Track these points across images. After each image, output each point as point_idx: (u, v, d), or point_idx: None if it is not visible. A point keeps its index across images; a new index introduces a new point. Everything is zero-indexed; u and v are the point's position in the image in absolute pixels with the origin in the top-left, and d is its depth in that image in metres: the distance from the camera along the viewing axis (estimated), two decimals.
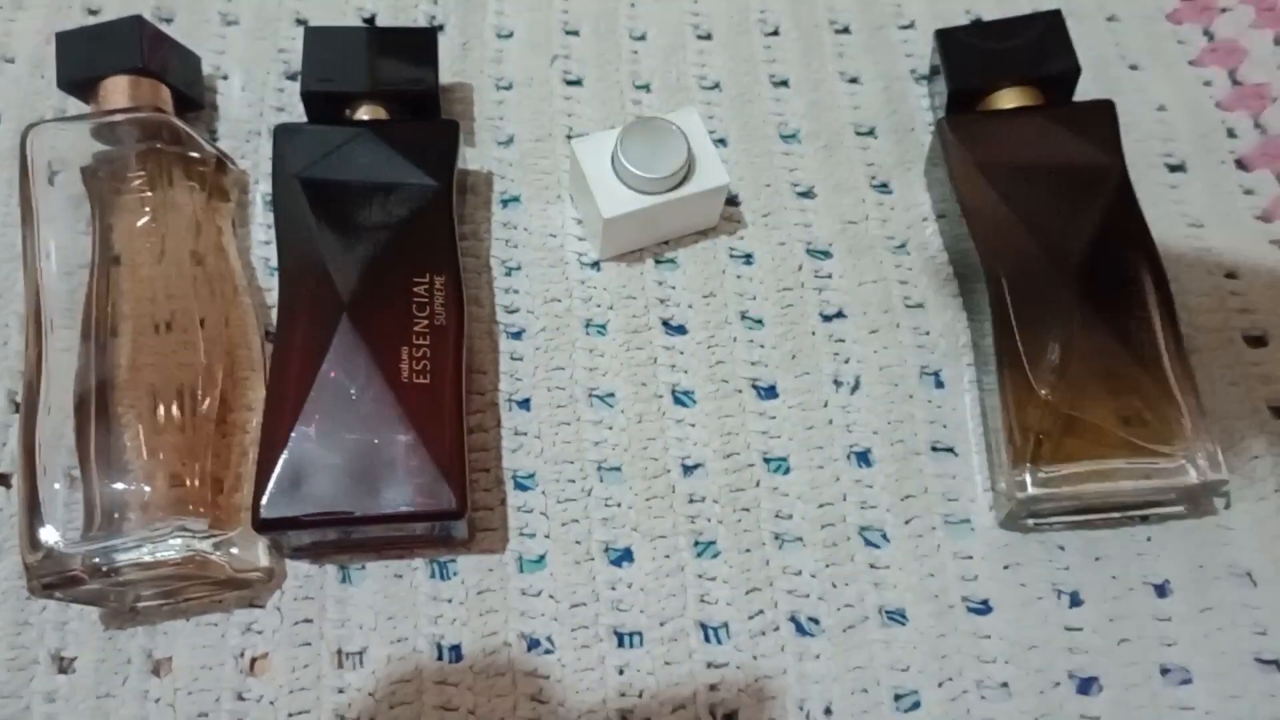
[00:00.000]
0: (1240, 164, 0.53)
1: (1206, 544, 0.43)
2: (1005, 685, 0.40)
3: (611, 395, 0.45)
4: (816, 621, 0.41)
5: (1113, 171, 0.46)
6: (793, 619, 0.41)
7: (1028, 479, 0.40)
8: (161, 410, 0.40)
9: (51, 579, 0.37)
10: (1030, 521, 0.43)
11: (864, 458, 0.45)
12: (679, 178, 0.45)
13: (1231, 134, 0.53)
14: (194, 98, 0.50)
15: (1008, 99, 0.48)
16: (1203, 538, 0.43)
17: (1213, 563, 0.42)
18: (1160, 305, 0.43)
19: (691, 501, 0.43)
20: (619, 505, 0.43)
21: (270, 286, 0.47)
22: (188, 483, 0.39)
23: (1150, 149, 0.53)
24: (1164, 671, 0.41)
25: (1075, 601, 0.42)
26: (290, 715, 0.39)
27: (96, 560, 0.37)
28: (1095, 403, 0.41)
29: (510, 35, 0.56)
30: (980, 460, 0.44)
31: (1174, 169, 0.53)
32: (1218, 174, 0.52)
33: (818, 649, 0.41)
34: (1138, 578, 0.42)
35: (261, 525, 0.38)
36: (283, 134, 0.46)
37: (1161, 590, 0.42)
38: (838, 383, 0.46)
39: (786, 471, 0.44)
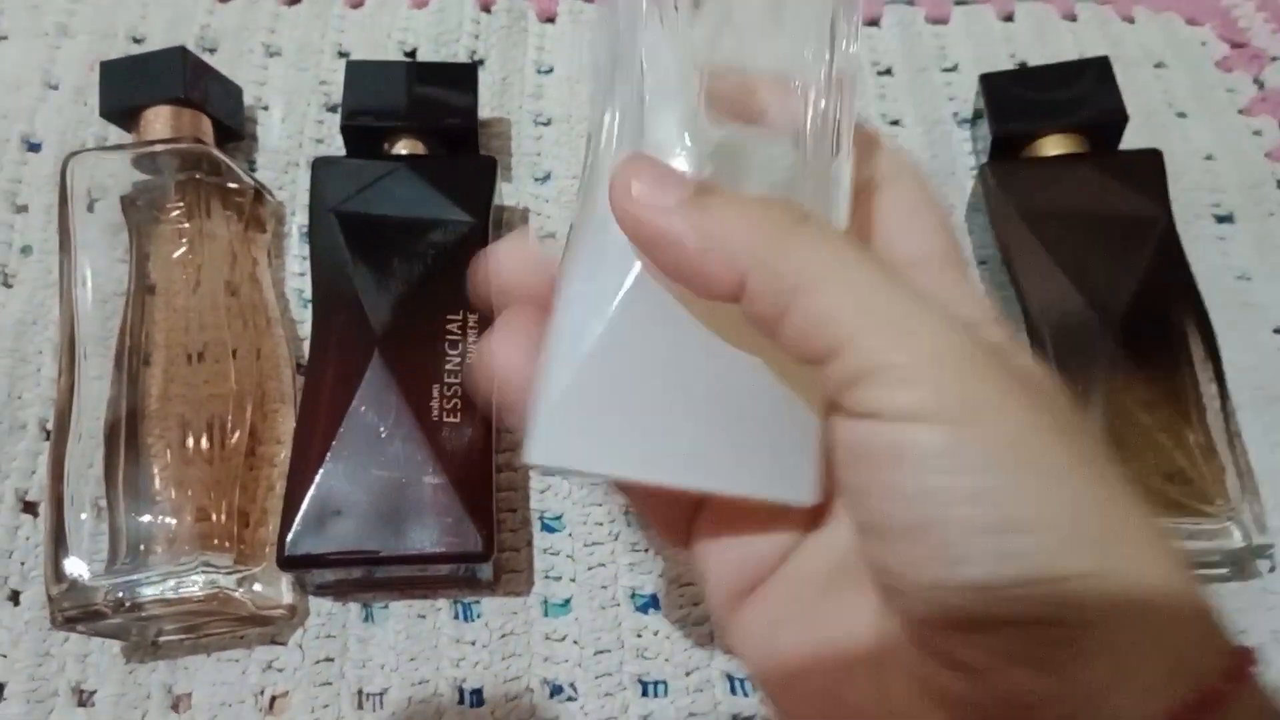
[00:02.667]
0: None
1: (1250, 609, 0.41)
2: None
3: None
4: None
5: (1159, 222, 0.45)
6: None
7: None
8: (191, 441, 0.40)
9: (75, 612, 0.37)
10: None
11: None
12: None
13: None
14: (234, 128, 0.50)
15: (1052, 146, 0.48)
16: (1246, 602, 0.42)
17: (1257, 627, 0.41)
18: (1206, 359, 0.42)
19: None
20: (646, 550, 0.42)
21: (303, 319, 0.47)
22: (214, 517, 0.39)
23: (1198, 199, 0.52)
24: None
25: None
26: None
27: (120, 594, 0.36)
28: (1138, 458, 0.40)
29: (550, 71, 0.56)
30: None
31: (1221, 220, 0.52)
32: (1267, 226, 0.51)
33: None
34: None
35: (287, 563, 0.38)
36: (321, 167, 0.46)
37: None
38: None
39: None
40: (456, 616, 0.41)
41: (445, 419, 0.40)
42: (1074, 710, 0.22)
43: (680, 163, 0.26)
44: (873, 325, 0.23)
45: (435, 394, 0.40)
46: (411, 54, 0.56)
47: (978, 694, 0.23)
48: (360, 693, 0.40)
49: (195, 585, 0.37)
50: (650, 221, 0.25)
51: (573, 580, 0.42)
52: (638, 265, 0.26)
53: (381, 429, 0.40)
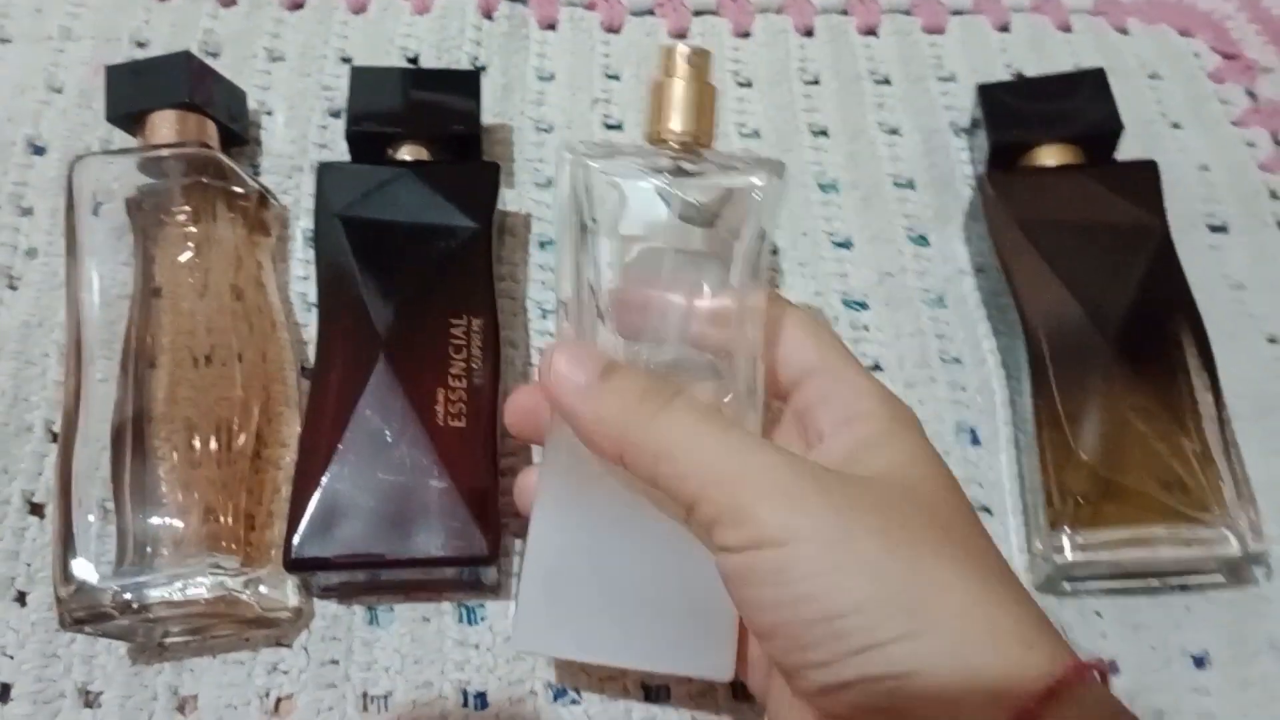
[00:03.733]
0: None
1: (1247, 616, 0.42)
2: None
3: None
4: None
5: (1154, 231, 0.46)
6: None
7: (1066, 543, 0.40)
8: (198, 444, 0.40)
9: (82, 613, 0.37)
10: (1066, 585, 0.42)
11: None
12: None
13: (1274, 195, 0.53)
14: (239, 133, 0.50)
15: (1049, 156, 0.48)
16: (1243, 609, 0.42)
17: (1254, 636, 0.42)
18: (1202, 368, 0.43)
19: None
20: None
21: (308, 323, 0.47)
22: (221, 519, 0.39)
23: (1192, 209, 0.52)
24: None
25: (1112, 670, 0.41)
26: None
27: (127, 596, 0.37)
28: (1135, 467, 0.41)
29: (552, 78, 0.56)
30: (1017, 520, 0.44)
31: (1216, 230, 0.52)
32: (1261, 236, 0.52)
33: None
34: (1176, 648, 0.41)
35: (293, 565, 0.38)
36: (325, 172, 0.47)
37: (1200, 662, 0.41)
38: None
39: None
40: (461, 620, 0.41)
41: (450, 423, 0.40)
42: None
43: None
44: (712, 480, 0.30)
45: (440, 398, 0.41)
46: (414, 60, 0.56)
47: None
48: (365, 695, 0.40)
49: (202, 587, 0.37)
50: (560, 398, 0.33)
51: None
52: (585, 494, 0.35)
53: (387, 433, 0.40)
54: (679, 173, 0.35)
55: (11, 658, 0.40)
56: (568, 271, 0.36)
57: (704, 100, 0.36)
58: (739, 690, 0.40)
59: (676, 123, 0.36)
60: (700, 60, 0.36)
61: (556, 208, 0.37)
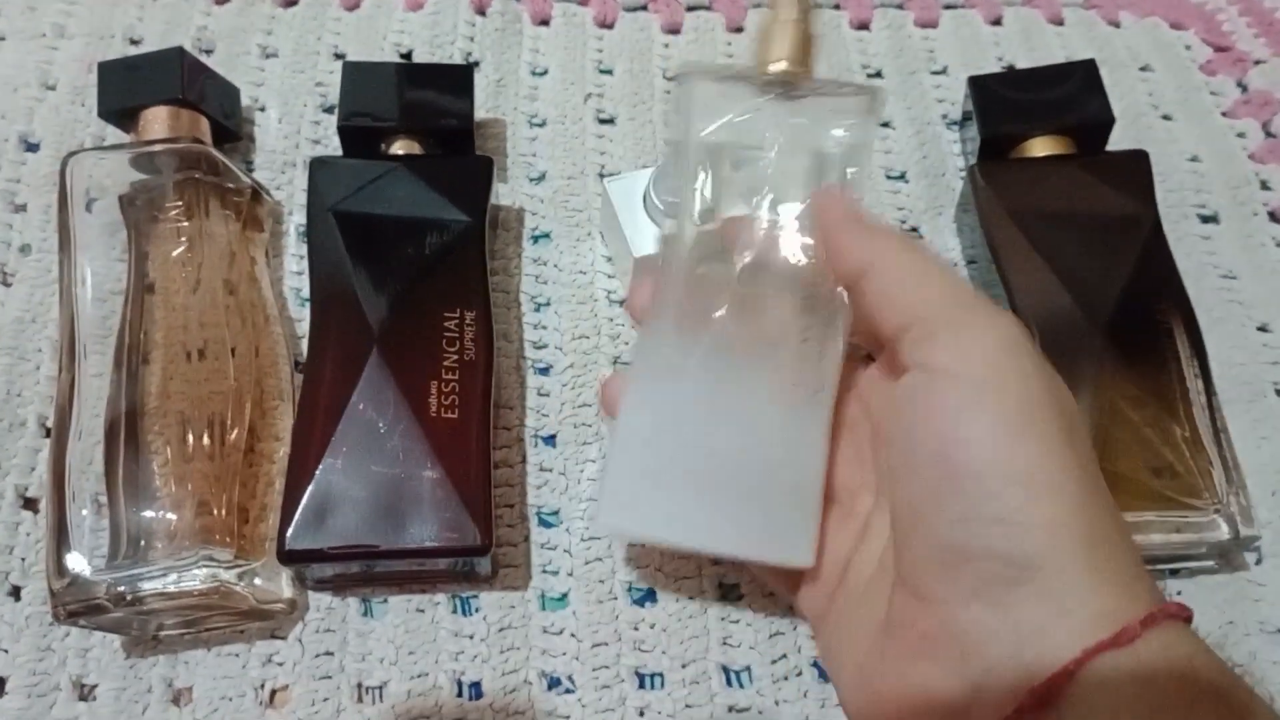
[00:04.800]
0: (1273, 216, 0.53)
1: (1237, 600, 0.42)
2: None
3: None
4: None
5: (1145, 221, 0.46)
6: (816, 664, 0.41)
7: None
8: (191, 438, 0.40)
9: (76, 606, 0.37)
10: None
11: None
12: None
13: (1265, 186, 0.53)
14: (232, 129, 0.51)
15: (1040, 147, 0.48)
16: (1233, 593, 0.42)
17: (1244, 619, 0.42)
18: (1192, 356, 0.43)
19: None
20: (643, 545, 0.43)
21: (301, 317, 0.47)
22: (215, 512, 0.39)
23: (1183, 199, 0.53)
24: None
25: None
26: None
27: (122, 588, 0.37)
28: (1126, 454, 0.41)
29: (545, 73, 0.56)
30: None
31: (1206, 220, 0.52)
32: (1250, 226, 0.52)
33: None
34: None
35: (286, 557, 0.38)
36: (318, 167, 0.47)
37: None
38: None
39: None
40: (455, 610, 0.41)
41: (443, 415, 0.40)
42: (1013, 644, 0.27)
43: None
44: (945, 306, 0.31)
45: (433, 390, 0.41)
46: (407, 56, 0.56)
47: (937, 628, 0.28)
48: (360, 686, 0.40)
49: (196, 579, 0.37)
50: (838, 206, 0.35)
51: (570, 574, 0.42)
52: (679, 373, 0.35)
53: (380, 425, 0.40)
54: (782, 95, 0.37)
55: (6, 651, 0.40)
56: (675, 186, 0.38)
57: (805, 35, 0.38)
58: (733, 676, 0.40)
59: (781, 52, 0.37)
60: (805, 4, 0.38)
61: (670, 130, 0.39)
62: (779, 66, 0.37)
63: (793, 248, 0.36)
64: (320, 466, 0.39)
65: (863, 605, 0.33)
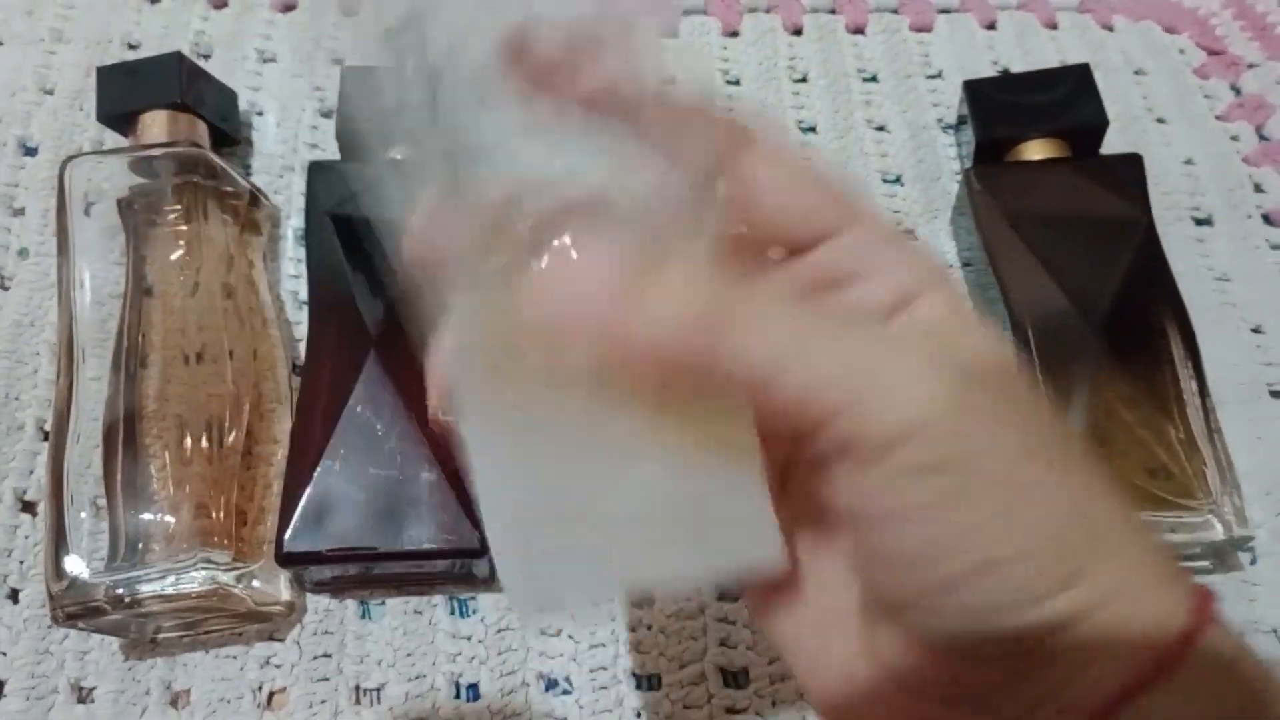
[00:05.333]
0: (1267, 219, 0.53)
1: (1232, 600, 0.42)
2: None
3: None
4: None
5: (1140, 224, 0.46)
6: None
7: None
8: (189, 441, 0.40)
9: (75, 608, 0.37)
10: None
11: None
12: None
13: (1259, 189, 0.54)
14: (230, 133, 0.51)
15: (1035, 150, 0.49)
16: (1228, 593, 0.42)
17: (1238, 619, 0.42)
18: (1186, 358, 0.43)
19: None
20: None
21: (299, 320, 0.48)
22: (213, 514, 0.39)
23: (1177, 202, 0.53)
24: None
25: None
26: None
27: (120, 591, 0.37)
28: (1120, 455, 0.41)
29: None
30: None
31: (1200, 222, 0.53)
32: (1245, 228, 0.52)
33: None
34: None
35: (285, 559, 0.38)
36: (316, 171, 0.47)
37: None
38: None
39: None
40: (453, 612, 0.42)
41: (441, 417, 0.41)
42: (1034, 700, 0.23)
43: None
44: (865, 385, 0.23)
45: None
46: None
47: (941, 680, 0.24)
48: (358, 688, 0.40)
49: (194, 581, 0.38)
50: (583, 325, 0.23)
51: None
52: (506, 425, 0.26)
53: (378, 427, 0.40)
54: None
55: (4, 654, 0.40)
56: None
57: None
58: (730, 677, 0.40)
59: None
60: None
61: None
62: None
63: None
64: (318, 469, 0.39)
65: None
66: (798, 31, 0.59)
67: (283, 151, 0.53)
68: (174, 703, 0.40)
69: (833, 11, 0.60)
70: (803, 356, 0.23)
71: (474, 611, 0.42)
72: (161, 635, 0.40)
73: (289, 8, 0.58)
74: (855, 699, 0.27)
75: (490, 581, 0.42)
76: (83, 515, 0.39)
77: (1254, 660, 0.23)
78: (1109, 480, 0.24)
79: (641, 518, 0.26)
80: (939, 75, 0.58)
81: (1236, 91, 0.58)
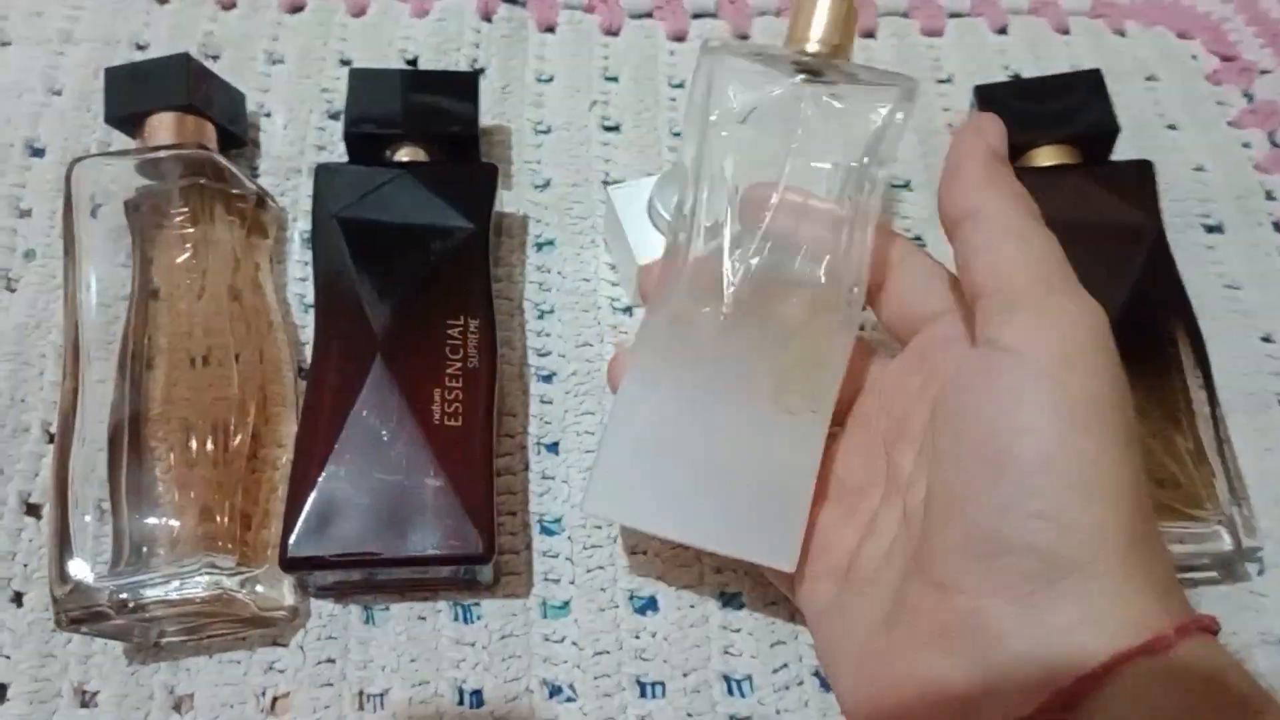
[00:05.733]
0: (1278, 227, 0.52)
1: (1240, 611, 0.42)
2: None
3: None
4: None
5: (1150, 231, 0.46)
6: (818, 674, 0.41)
7: None
8: (194, 444, 0.40)
9: (78, 613, 0.37)
10: None
11: None
12: None
13: (1270, 196, 0.53)
14: (237, 134, 0.51)
15: (1045, 156, 0.48)
16: (1236, 604, 0.42)
17: (1246, 630, 0.42)
18: (1196, 367, 0.43)
19: None
20: (645, 553, 0.43)
21: (305, 324, 0.47)
22: (218, 519, 0.39)
23: (1188, 209, 0.52)
24: None
25: None
26: None
27: (124, 595, 0.37)
28: None
29: (550, 80, 0.56)
30: None
31: (1211, 230, 0.52)
32: (1256, 236, 0.52)
33: None
34: None
35: (289, 564, 0.38)
36: (323, 174, 0.47)
37: None
38: None
39: None
40: (457, 618, 0.41)
41: (446, 422, 0.40)
42: (1037, 643, 0.26)
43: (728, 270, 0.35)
44: (1021, 272, 0.30)
45: (437, 398, 0.41)
46: (413, 62, 0.56)
47: (953, 618, 0.28)
48: (361, 694, 0.40)
49: (198, 586, 0.38)
50: (973, 138, 0.34)
51: (572, 583, 0.42)
52: (676, 366, 0.35)
53: (383, 432, 0.40)
54: (813, 79, 0.36)
55: (8, 658, 0.40)
56: (690, 159, 0.37)
57: (845, 12, 0.37)
58: (734, 685, 0.40)
59: (817, 31, 0.37)
60: None
61: (689, 102, 0.37)
62: (813, 48, 0.36)
63: (813, 241, 0.35)
64: (323, 474, 0.39)
65: (867, 598, 0.33)
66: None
67: (290, 154, 0.53)
68: (177, 707, 0.40)
69: None
70: (1020, 231, 0.31)
71: (478, 617, 0.41)
72: (165, 640, 0.40)
73: (297, 9, 0.58)
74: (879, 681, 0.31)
75: (494, 587, 0.42)
76: (87, 519, 0.38)
77: (1232, 686, 0.26)
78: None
79: (718, 476, 0.34)
80: (949, 80, 0.58)
81: (1249, 98, 0.57)
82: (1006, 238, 0.31)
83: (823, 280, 0.35)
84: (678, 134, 0.54)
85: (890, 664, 0.30)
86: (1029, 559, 0.27)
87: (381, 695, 0.40)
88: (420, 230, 0.45)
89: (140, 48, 0.56)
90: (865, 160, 0.36)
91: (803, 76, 0.36)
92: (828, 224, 0.35)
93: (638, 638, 0.41)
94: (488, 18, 0.58)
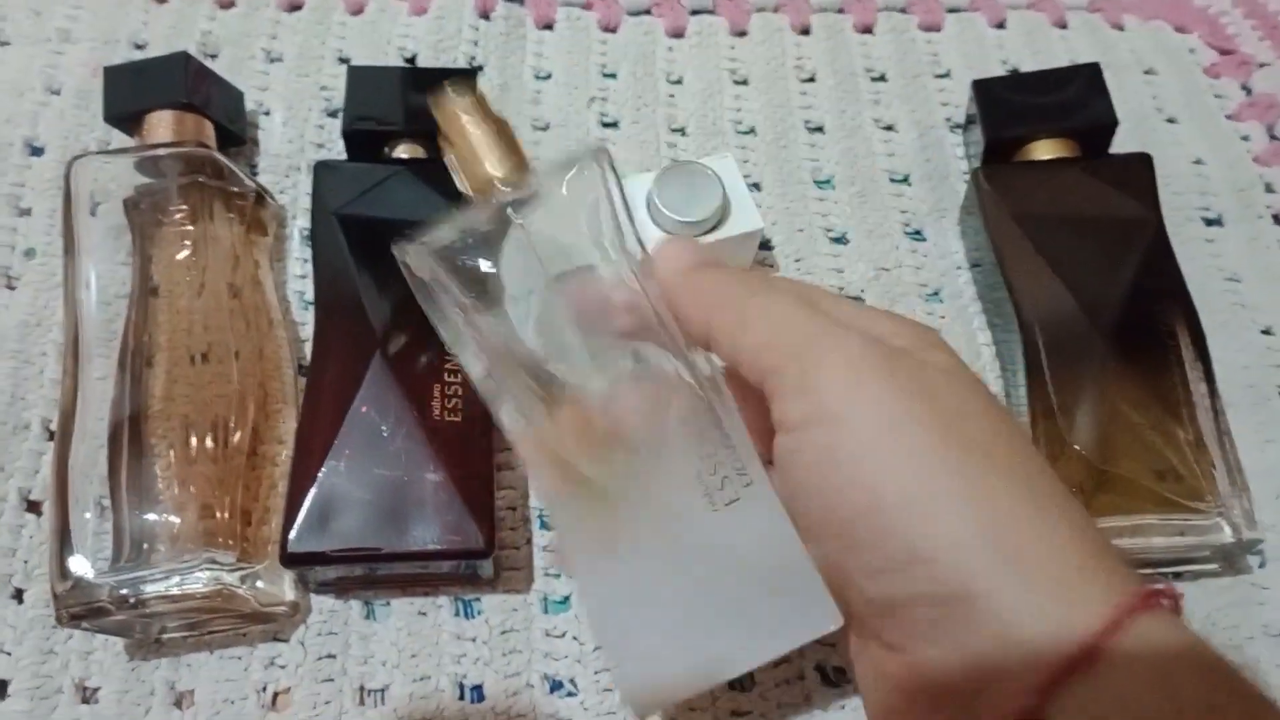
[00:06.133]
0: (1278, 219, 0.52)
1: (1241, 603, 0.42)
2: None
3: None
4: (843, 671, 0.41)
5: (1149, 224, 0.46)
6: (819, 669, 0.41)
7: None
8: (194, 441, 0.40)
9: (79, 609, 0.37)
10: None
11: None
12: (713, 222, 0.45)
13: (1269, 189, 0.53)
14: (236, 133, 0.51)
15: (1044, 150, 0.48)
16: (1237, 596, 0.42)
17: (1247, 622, 0.42)
18: (1196, 359, 0.43)
19: None
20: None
21: (304, 321, 0.47)
22: (218, 515, 0.39)
23: (1187, 202, 0.52)
24: None
25: None
26: None
27: (124, 591, 0.37)
28: (1129, 457, 0.41)
29: (548, 77, 0.56)
30: None
31: (1211, 223, 0.52)
32: (1255, 228, 0.52)
33: (843, 700, 0.40)
34: None
35: (289, 560, 0.38)
36: (322, 171, 0.47)
37: None
38: None
39: None
40: (457, 613, 0.41)
41: (446, 418, 0.40)
42: (977, 683, 0.24)
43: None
44: (790, 352, 0.28)
45: (436, 393, 0.41)
46: (411, 60, 0.56)
47: (909, 675, 0.26)
48: (362, 689, 0.40)
49: (199, 582, 0.38)
50: (665, 275, 0.32)
51: (572, 577, 0.42)
52: (604, 528, 0.32)
53: (383, 428, 0.40)
54: (521, 205, 0.34)
55: (9, 654, 0.40)
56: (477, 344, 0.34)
57: (503, 132, 0.35)
58: (734, 680, 0.40)
59: (494, 167, 0.34)
60: (473, 98, 0.35)
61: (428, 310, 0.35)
62: (502, 177, 0.34)
63: (634, 333, 0.33)
64: (323, 469, 0.39)
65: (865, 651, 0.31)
66: (805, 31, 0.59)
67: (289, 151, 0.53)
68: (178, 703, 0.40)
69: (841, 11, 0.60)
70: (760, 324, 0.30)
71: (479, 613, 0.41)
72: (166, 635, 0.40)
73: (295, 7, 0.58)
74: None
75: (494, 582, 0.42)
76: (87, 515, 0.39)
77: (1196, 664, 0.23)
78: (1033, 473, 0.26)
79: (724, 601, 0.31)
80: (948, 74, 0.58)
81: (1247, 91, 0.57)
82: (745, 330, 0.30)
83: (679, 366, 0.32)
84: (676, 130, 0.55)
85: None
86: (922, 608, 0.25)
87: (382, 690, 0.40)
88: (420, 227, 0.45)
89: (139, 46, 0.56)
90: (606, 236, 0.33)
91: (509, 209, 0.34)
92: (627, 310, 0.33)
93: None
94: (486, 15, 0.58)
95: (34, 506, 0.43)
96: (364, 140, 0.48)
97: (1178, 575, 0.42)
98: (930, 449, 0.26)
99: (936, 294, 0.50)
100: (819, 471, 0.27)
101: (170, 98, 0.47)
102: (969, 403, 0.28)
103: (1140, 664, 0.23)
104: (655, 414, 0.32)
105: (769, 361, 0.29)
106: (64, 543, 0.38)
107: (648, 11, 0.60)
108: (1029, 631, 0.24)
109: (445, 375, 0.41)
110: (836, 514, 0.27)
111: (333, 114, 0.54)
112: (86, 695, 0.40)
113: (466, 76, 0.39)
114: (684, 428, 0.32)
